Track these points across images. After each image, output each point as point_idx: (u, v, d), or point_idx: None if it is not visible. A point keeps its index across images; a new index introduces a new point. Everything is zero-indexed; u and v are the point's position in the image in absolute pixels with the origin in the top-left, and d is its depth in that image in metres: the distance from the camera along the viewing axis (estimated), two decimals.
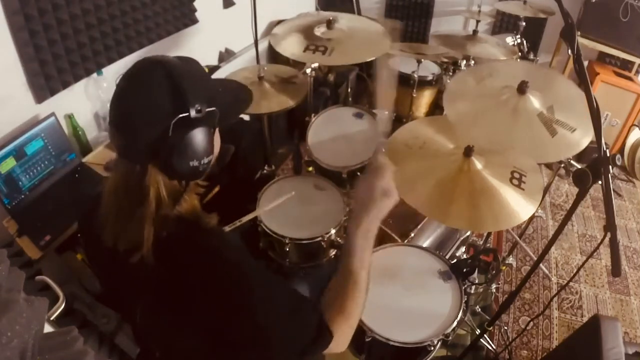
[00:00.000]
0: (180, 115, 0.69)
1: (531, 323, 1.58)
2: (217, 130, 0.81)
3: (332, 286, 0.86)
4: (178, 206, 0.77)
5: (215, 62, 2.58)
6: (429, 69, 2.59)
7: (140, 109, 0.71)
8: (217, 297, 0.75)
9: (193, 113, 0.69)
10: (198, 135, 0.71)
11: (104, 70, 1.81)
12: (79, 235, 1.50)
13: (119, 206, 0.77)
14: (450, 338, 1.17)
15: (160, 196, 0.75)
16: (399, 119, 2.58)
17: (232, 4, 2.56)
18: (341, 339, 0.84)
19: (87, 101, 1.85)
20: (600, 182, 0.85)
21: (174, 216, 0.77)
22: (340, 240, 1.48)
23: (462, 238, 1.75)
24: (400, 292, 1.26)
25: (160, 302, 0.80)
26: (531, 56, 2.89)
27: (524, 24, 2.83)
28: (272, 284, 0.82)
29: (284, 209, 1.50)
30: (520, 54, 2.76)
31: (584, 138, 1.22)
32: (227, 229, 1.26)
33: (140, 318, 0.84)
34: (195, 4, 2.24)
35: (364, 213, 0.84)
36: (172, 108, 0.69)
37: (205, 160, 0.75)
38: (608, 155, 0.85)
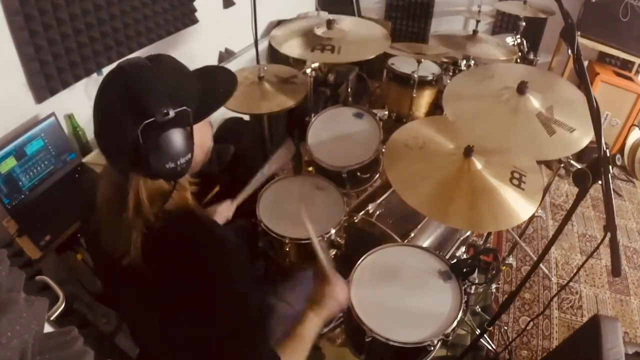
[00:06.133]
0: (146, 122, 0.69)
1: (531, 323, 1.59)
2: (207, 123, 0.83)
3: (285, 341, 0.93)
4: (166, 204, 0.79)
5: (215, 62, 2.58)
6: (429, 69, 2.59)
7: (107, 123, 0.74)
8: (199, 285, 0.78)
9: (159, 117, 0.70)
10: (170, 138, 0.72)
11: (104, 70, 1.81)
12: (79, 235, 1.50)
13: (110, 212, 0.79)
14: (450, 338, 1.17)
15: (139, 200, 0.76)
16: (399, 119, 2.57)
17: (232, 4, 2.56)
18: None
19: (87, 101, 1.85)
20: (600, 182, 0.85)
21: (162, 213, 0.78)
22: (340, 240, 1.48)
23: (462, 238, 1.75)
24: (400, 292, 1.26)
25: (154, 297, 0.82)
26: (531, 56, 2.89)
27: (524, 24, 2.83)
28: (247, 286, 0.86)
29: (284, 209, 1.50)
30: (520, 54, 2.76)
31: (583, 138, 1.22)
32: (234, 203, 1.39)
33: (137, 314, 0.86)
34: (195, 4, 2.24)
35: (319, 309, 0.98)
36: (133, 117, 0.70)
37: (182, 161, 0.75)
38: (608, 155, 0.85)
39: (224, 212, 1.39)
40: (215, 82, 0.86)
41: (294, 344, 0.91)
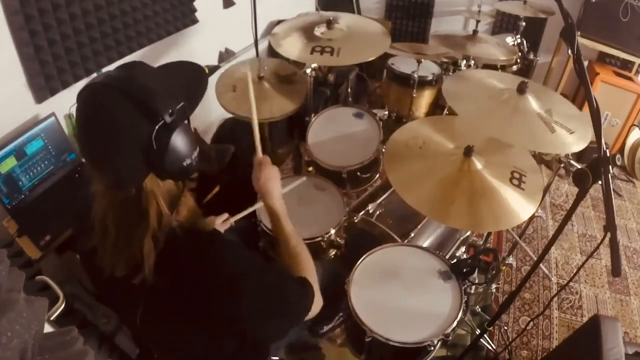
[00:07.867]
0: (157, 127, 0.67)
1: (531, 323, 1.58)
2: None
3: (283, 255, 1.02)
4: (177, 214, 0.78)
5: (215, 62, 2.58)
6: (429, 69, 2.59)
7: (115, 141, 0.68)
8: (213, 301, 0.78)
9: (167, 118, 0.68)
10: (180, 136, 0.71)
11: (104, 70, 1.81)
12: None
13: (118, 233, 0.75)
14: (450, 338, 1.17)
15: (161, 210, 0.74)
16: (399, 119, 2.57)
17: (232, 4, 2.56)
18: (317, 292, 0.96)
19: None
20: (600, 182, 0.85)
21: (174, 226, 0.76)
22: (340, 240, 1.48)
23: (462, 238, 1.75)
24: (400, 292, 1.26)
25: (159, 306, 0.81)
26: (531, 56, 2.89)
27: (524, 24, 2.83)
28: (267, 282, 0.85)
29: None
30: (520, 54, 2.76)
31: (583, 139, 1.22)
32: (232, 220, 1.32)
33: (140, 322, 0.85)
34: (195, 4, 2.24)
35: (269, 192, 1.04)
36: (145, 123, 0.67)
37: (195, 154, 0.75)
38: (608, 155, 0.85)
39: (219, 227, 1.31)
40: (187, 74, 0.85)
41: (293, 248, 1.00)
